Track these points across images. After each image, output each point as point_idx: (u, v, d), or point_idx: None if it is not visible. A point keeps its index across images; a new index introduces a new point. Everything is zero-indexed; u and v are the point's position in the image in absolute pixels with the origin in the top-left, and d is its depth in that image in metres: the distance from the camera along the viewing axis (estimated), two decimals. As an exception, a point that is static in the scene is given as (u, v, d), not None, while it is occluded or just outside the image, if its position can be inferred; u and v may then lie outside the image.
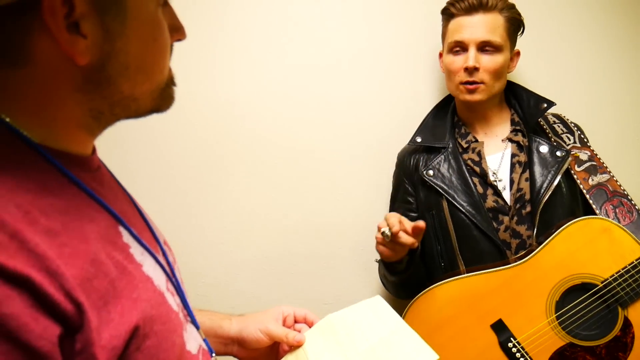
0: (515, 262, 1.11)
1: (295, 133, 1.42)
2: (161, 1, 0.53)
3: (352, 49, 1.43)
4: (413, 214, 1.30)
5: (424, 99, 1.45)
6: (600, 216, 1.10)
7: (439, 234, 1.24)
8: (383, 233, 1.06)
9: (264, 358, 0.83)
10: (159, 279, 0.56)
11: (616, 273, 1.06)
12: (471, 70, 1.18)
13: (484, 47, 1.19)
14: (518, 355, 1.09)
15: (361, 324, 0.78)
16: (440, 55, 1.31)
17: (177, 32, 0.57)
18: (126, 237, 0.54)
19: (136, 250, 0.54)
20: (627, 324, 1.06)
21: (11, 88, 0.47)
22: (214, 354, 0.67)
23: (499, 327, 1.11)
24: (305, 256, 1.44)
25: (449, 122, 1.31)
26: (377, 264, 1.34)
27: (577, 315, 1.07)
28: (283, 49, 1.41)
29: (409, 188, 1.32)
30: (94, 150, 0.59)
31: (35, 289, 0.39)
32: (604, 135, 1.44)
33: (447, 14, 1.25)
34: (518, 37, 1.26)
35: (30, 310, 0.39)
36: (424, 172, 1.25)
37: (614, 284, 1.05)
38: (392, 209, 1.37)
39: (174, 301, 0.57)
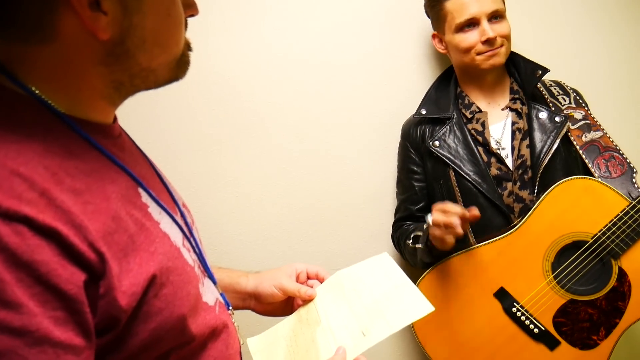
0: (507, 231, 1.17)
1: (304, 106, 1.46)
2: None
3: (355, 24, 1.47)
4: (421, 184, 1.35)
5: (427, 71, 1.51)
6: (581, 176, 1.14)
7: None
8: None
9: (279, 312, 0.88)
10: (175, 236, 0.61)
11: (604, 227, 1.10)
12: (492, 41, 1.22)
13: (494, 16, 1.23)
14: (523, 318, 1.15)
15: (367, 279, 0.83)
16: (434, 36, 1.35)
17: (190, 7, 0.61)
18: (145, 198, 0.59)
19: (154, 210, 0.59)
20: (622, 274, 1.10)
21: (40, 62, 0.52)
22: (230, 307, 0.72)
23: (502, 295, 1.17)
24: (314, 224, 1.50)
25: (452, 93, 1.35)
26: (379, 232, 1.44)
27: (573, 272, 1.12)
28: (290, 26, 1.45)
29: (416, 159, 1.36)
30: (115, 119, 0.64)
31: (62, 240, 0.44)
32: (599, 97, 1.46)
33: None
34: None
35: (58, 258, 0.44)
36: (430, 143, 1.30)
37: (603, 237, 1.10)
38: (399, 180, 1.43)
39: (189, 256, 0.62)
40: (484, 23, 1.22)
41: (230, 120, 1.44)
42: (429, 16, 1.37)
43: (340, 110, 1.48)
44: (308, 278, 0.89)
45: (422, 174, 1.36)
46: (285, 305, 0.88)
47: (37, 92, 0.52)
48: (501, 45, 1.23)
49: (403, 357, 1.54)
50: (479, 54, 1.24)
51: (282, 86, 1.45)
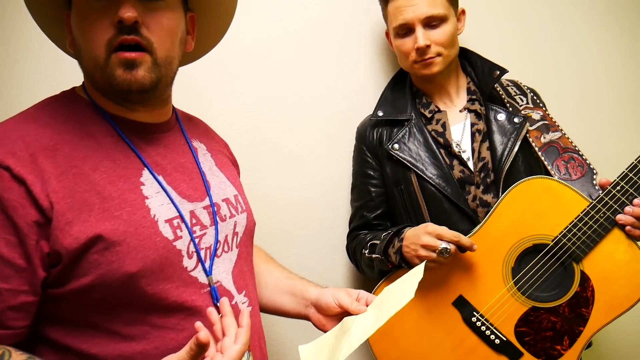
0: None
1: (254, 109, 1.39)
2: None
3: (307, 22, 1.42)
4: (377, 189, 1.28)
5: (382, 69, 1.45)
6: (539, 175, 1.08)
7: (409, 209, 1.22)
8: (444, 251, 1.03)
9: (331, 326, 0.91)
10: (161, 213, 0.72)
11: (565, 229, 1.04)
12: (423, 49, 1.16)
13: (430, 22, 1.16)
14: (483, 328, 1.07)
15: (397, 288, 0.87)
16: (387, 34, 1.29)
17: (115, 14, 0.70)
18: (144, 178, 0.73)
19: (149, 188, 0.73)
20: (585, 278, 1.04)
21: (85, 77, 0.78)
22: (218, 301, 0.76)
23: (461, 304, 1.10)
24: (270, 235, 1.39)
25: (409, 93, 1.28)
26: (338, 243, 1.38)
27: (534, 278, 1.06)
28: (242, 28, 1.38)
29: (373, 163, 1.29)
30: (168, 121, 0.83)
31: (28, 188, 0.63)
32: (557, 97, 1.42)
33: None
34: None
35: (21, 199, 0.63)
36: (390, 146, 1.22)
37: (564, 240, 1.04)
38: (354, 186, 1.34)
39: (171, 232, 0.72)
40: (418, 30, 1.16)
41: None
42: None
43: (292, 113, 1.41)
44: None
45: (379, 179, 1.28)
46: (337, 322, 0.90)
47: (93, 98, 0.76)
48: (438, 54, 1.17)
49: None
50: (415, 62, 1.19)
51: (233, 88, 1.38)
